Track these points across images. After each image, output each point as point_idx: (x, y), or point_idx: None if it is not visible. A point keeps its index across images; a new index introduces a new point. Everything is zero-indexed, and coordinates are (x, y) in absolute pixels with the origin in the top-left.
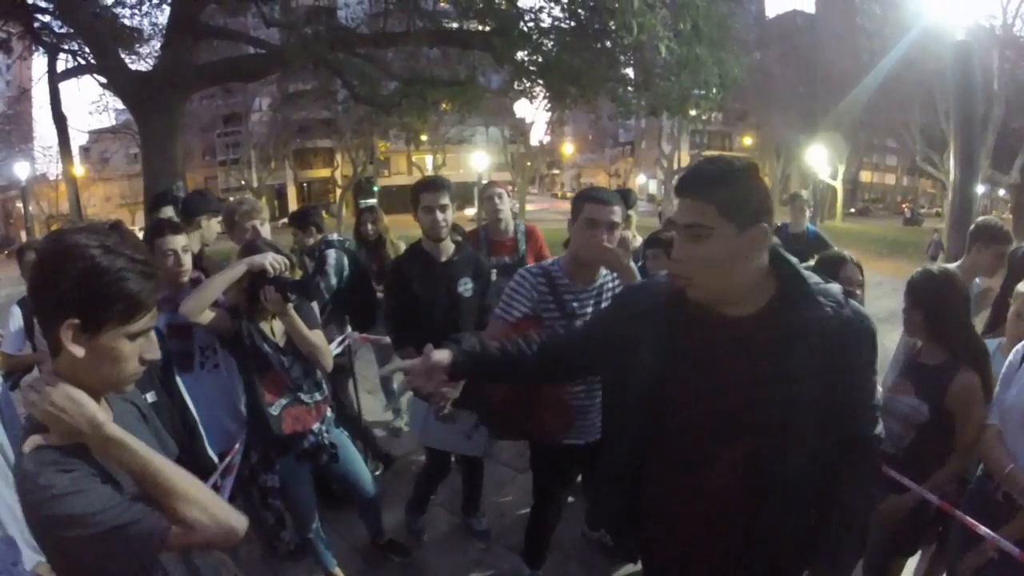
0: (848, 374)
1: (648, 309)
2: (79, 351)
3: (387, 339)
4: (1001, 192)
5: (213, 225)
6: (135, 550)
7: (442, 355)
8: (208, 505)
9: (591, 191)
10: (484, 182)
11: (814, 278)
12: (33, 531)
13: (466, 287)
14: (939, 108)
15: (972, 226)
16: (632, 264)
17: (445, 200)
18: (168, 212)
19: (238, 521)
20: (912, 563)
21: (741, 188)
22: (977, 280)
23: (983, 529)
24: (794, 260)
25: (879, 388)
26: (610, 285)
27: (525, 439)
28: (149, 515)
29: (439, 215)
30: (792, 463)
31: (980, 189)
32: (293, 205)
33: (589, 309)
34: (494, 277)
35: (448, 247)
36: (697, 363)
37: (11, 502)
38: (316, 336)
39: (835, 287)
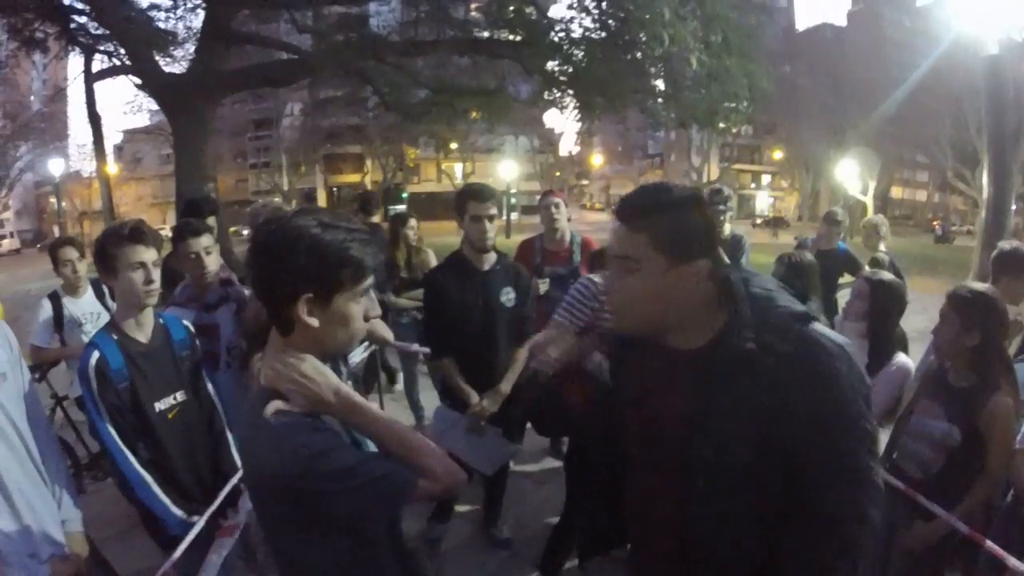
0: (791, 426)
1: (620, 338)
2: (315, 322)
3: (413, 347)
4: None
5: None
6: (389, 500)
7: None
8: (441, 457)
9: None
10: (513, 191)
11: (773, 303)
12: (279, 490)
13: (508, 296)
14: (970, 122)
15: (997, 253)
16: None
17: (493, 211)
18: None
19: (460, 472)
20: None
21: (678, 219)
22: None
23: (1013, 561)
24: (756, 283)
25: (864, 442)
26: None
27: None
28: (399, 469)
29: (487, 225)
30: (725, 520)
31: (1012, 206)
32: None
33: None
34: (547, 287)
35: (490, 256)
36: (641, 391)
37: (30, 494)
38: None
39: (790, 313)
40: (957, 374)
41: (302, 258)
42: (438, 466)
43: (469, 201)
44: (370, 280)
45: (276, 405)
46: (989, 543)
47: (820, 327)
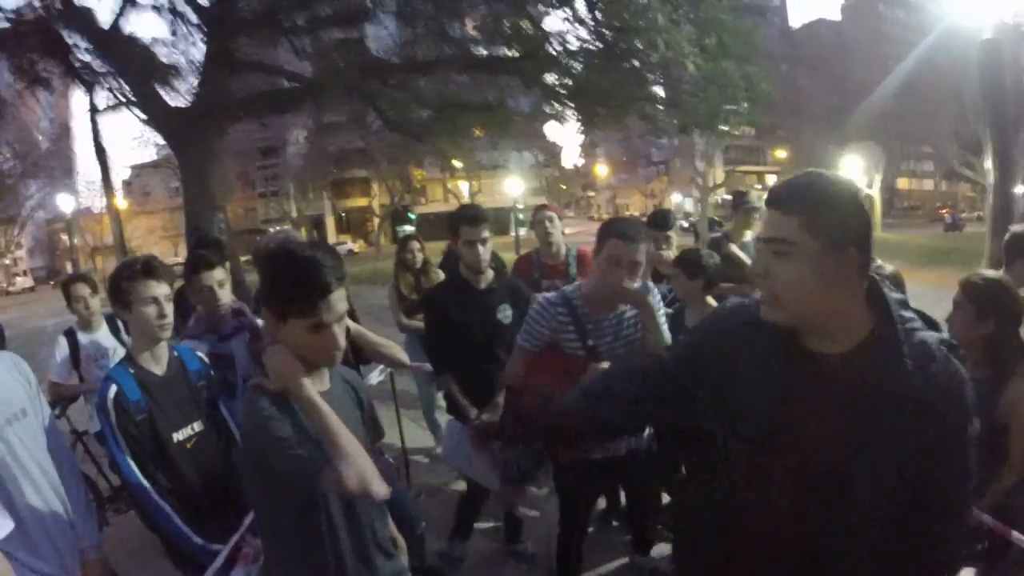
0: (933, 455)
1: (737, 329)
2: (277, 332)
3: (426, 366)
4: None
5: None
6: (301, 477)
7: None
8: (359, 469)
9: (617, 224)
10: (520, 207)
11: (913, 322)
12: (247, 446)
13: (505, 314)
14: (970, 110)
15: (1010, 236)
16: (653, 301)
17: (486, 233)
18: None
19: (379, 487)
20: None
21: (832, 205)
22: None
23: None
24: (893, 298)
25: (974, 473)
26: (630, 315)
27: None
28: (312, 459)
29: (480, 248)
30: (852, 548)
31: (1020, 189)
32: (332, 235)
33: (609, 339)
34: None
35: (488, 275)
36: (795, 400)
37: (51, 529)
38: (383, 340)
39: (931, 336)
40: (973, 364)
41: (266, 279)
42: (350, 472)
43: (462, 226)
44: (324, 317)
45: (256, 380)
46: (1016, 534)
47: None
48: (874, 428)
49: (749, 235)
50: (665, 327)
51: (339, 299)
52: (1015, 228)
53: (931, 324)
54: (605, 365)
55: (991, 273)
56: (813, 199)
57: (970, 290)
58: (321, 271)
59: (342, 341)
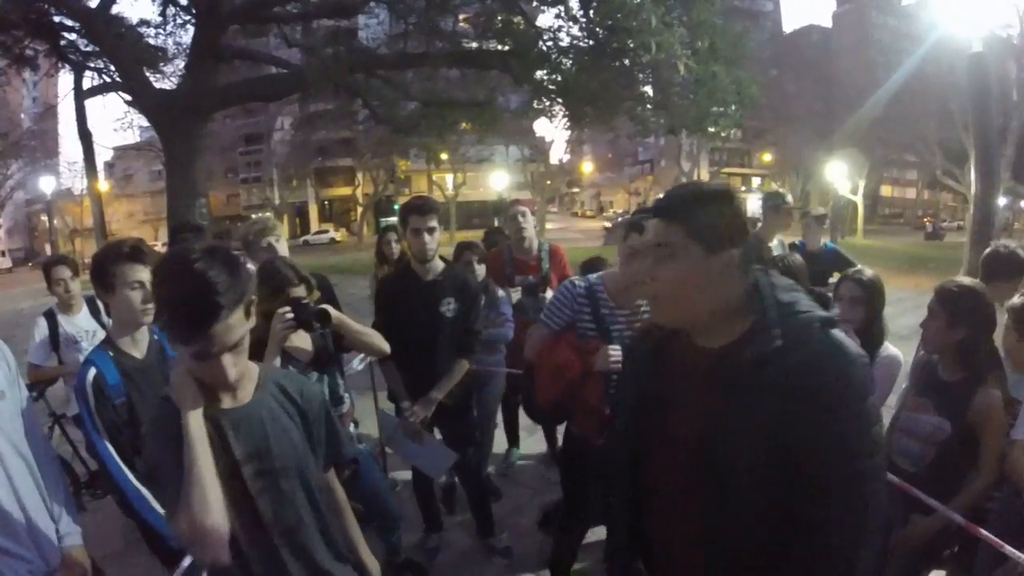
0: (801, 431)
1: (637, 338)
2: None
3: None
4: (1023, 204)
5: None
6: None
7: None
8: (195, 522)
9: (635, 221)
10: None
11: (796, 304)
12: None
13: (448, 307)
14: (956, 120)
15: (990, 254)
16: None
17: (433, 223)
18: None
19: (205, 552)
20: None
21: (711, 211)
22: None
23: (1009, 549)
24: (779, 285)
25: (866, 455)
26: (644, 310)
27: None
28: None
29: (426, 237)
30: (742, 538)
31: (1001, 201)
32: (314, 223)
33: (621, 327)
34: (518, 295)
35: (435, 267)
36: (664, 390)
37: (30, 512)
38: (365, 328)
39: (814, 316)
40: (946, 368)
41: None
42: (182, 521)
43: (410, 215)
44: (205, 347)
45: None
46: (984, 532)
47: (840, 333)
48: (734, 403)
49: (777, 239)
50: None
51: (226, 329)
52: (999, 246)
53: (823, 305)
54: (615, 347)
55: (966, 281)
56: (694, 206)
57: (944, 297)
58: (204, 298)
59: (232, 372)
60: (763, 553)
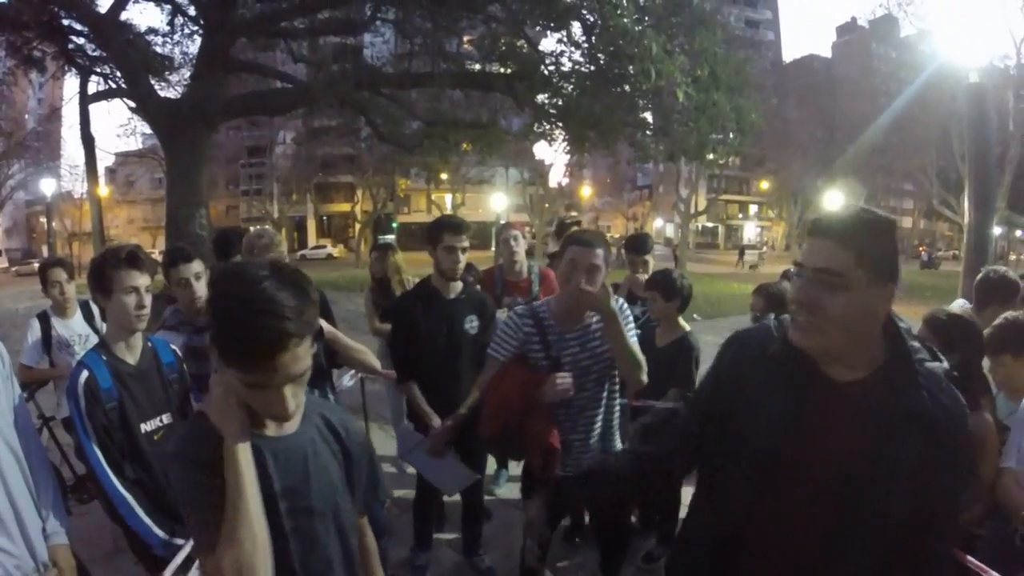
0: (941, 475)
1: (761, 356)
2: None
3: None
4: (1018, 233)
5: None
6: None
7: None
8: (242, 560)
9: (576, 234)
10: (502, 223)
11: (920, 353)
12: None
13: (471, 324)
14: (955, 150)
15: (983, 279)
16: (615, 306)
17: (466, 243)
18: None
19: None
20: None
21: (882, 242)
22: None
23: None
24: (905, 327)
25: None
26: (595, 327)
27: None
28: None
29: (459, 255)
30: (868, 552)
31: (997, 231)
32: (312, 238)
33: (574, 350)
34: (505, 316)
35: (456, 285)
36: (806, 424)
37: (20, 508)
38: (358, 345)
39: (939, 367)
40: None
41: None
42: (227, 559)
43: (445, 232)
44: (266, 380)
45: (201, 406)
46: (971, 560)
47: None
48: (887, 444)
49: None
50: (635, 341)
51: (293, 359)
52: (990, 272)
53: (934, 356)
54: (566, 376)
55: (954, 308)
56: (866, 233)
57: (934, 326)
58: (273, 324)
59: (292, 405)
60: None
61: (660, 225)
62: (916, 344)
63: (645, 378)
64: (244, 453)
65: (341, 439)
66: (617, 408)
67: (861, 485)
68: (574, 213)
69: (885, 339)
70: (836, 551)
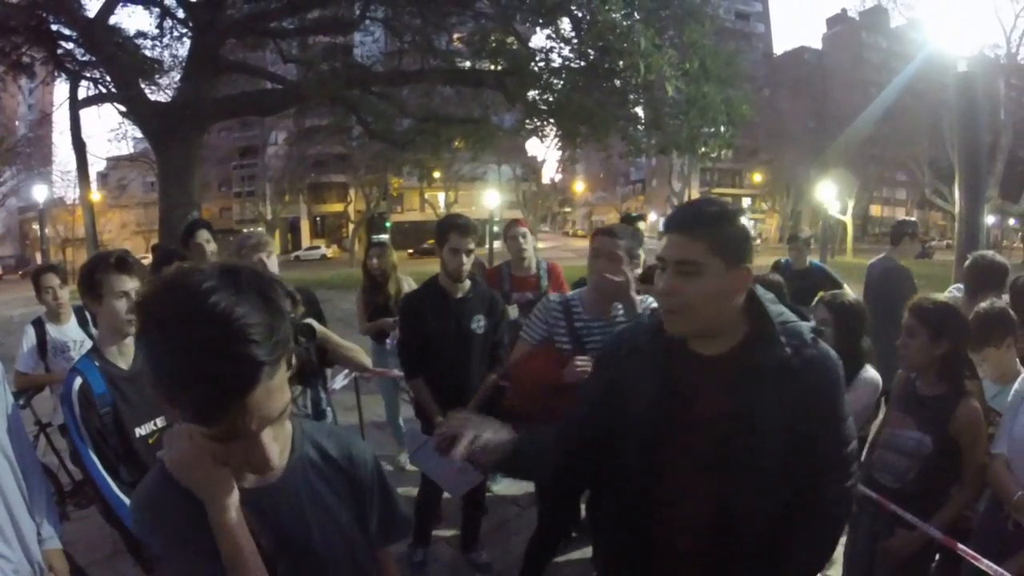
0: (812, 421)
1: (633, 348)
2: None
3: (394, 372)
4: (1012, 222)
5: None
6: None
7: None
8: None
9: (605, 227)
10: (496, 219)
11: (784, 316)
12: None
13: (478, 324)
14: (946, 139)
15: (972, 265)
16: (636, 297)
17: (472, 245)
18: (204, 235)
19: None
20: None
21: (731, 229)
22: None
23: (985, 563)
24: (766, 299)
25: (852, 439)
26: (621, 318)
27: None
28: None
29: (464, 258)
30: (755, 509)
31: (990, 220)
32: (306, 239)
33: (597, 338)
34: (516, 314)
35: (464, 285)
36: (679, 398)
37: (16, 513)
38: (349, 344)
39: (804, 326)
40: (926, 384)
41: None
42: None
43: (451, 233)
44: (236, 426)
45: (169, 456)
46: (961, 547)
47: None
48: (757, 401)
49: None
50: None
51: (267, 396)
52: (978, 257)
53: (802, 316)
54: (585, 359)
55: (940, 297)
56: (715, 223)
57: (922, 314)
58: (236, 352)
59: (274, 452)
60: (770, 524)
61: (654, 219)
62: (781, 309)
63: None
64: (234, 513)
65: (343, 470)
66: None
67: (741, 446)
68: (568, 208)
69: (747, 314)
70: (733, 516)
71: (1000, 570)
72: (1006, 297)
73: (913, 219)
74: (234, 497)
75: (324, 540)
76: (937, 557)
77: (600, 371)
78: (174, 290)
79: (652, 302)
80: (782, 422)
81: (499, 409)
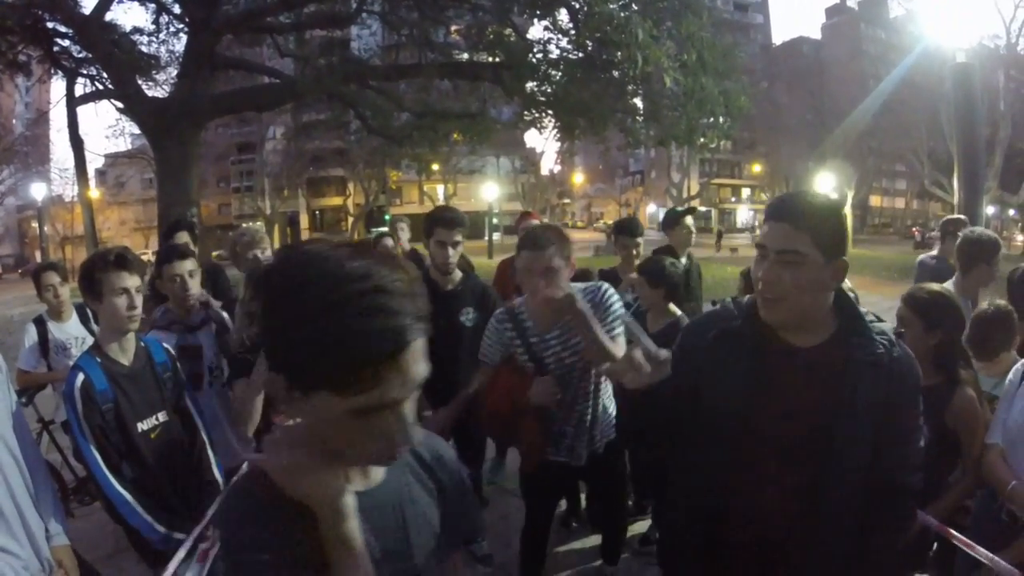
0: (896, 414)
1: (721, 334)
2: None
3: None
4: (1011, 212)
5: None
6: None
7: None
8: None
9: (525, 238)
10: (495, 212)
11: (869, 316)
12: None
13: (468, 317)
14: (945, 131)
15: (963, 242)
16: (582, 305)
17: (458, 237)
18: (184, 238)
19: None
20: None
21: (833, 221)
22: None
23: (981, 551)
24: (853, 298)
25: (924, 437)
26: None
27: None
28: None
29: (450, 251)
30: (844, 496)
31: (989, 210)
32: (305, 233)
33: (556, 349)
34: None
35: (454, 277)
36: (771, 388)
37: (23, 511)
38: None
39: (887, 327)
40: (923, 374)
41: (272, 315)
42: None
43: (436, 227)
44: (385, 395)
45: (258, 466)
46: (958, 536)
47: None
48: (848, 394)
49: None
50: (620, 332)
51: (416, 358)
52: (963, 234)
53: (879, 319)
54: (548, 381)
55: (932, 286)
56: (818, 215)
57: (916, 304)
58: (390, 306)
59: (410, 430)
60: (852, 517)
61: (653, 210)
62: (864, 310)
63: None
64: (356, 523)
65: (434, 473)
66: (609, 395)
67: (828, 436)
68: (567, 200)
69: (836, 307)
70: (812, 506)
71: (996, 558)
72: (1004, 300)
73: (962, 217)
74: (351, 501)
75: (420, 547)
76: (935, 546)
77: (683, 361)
78: (304, 256)
79: (609, 292)
80: (872, 417)
81: (470, 424)
